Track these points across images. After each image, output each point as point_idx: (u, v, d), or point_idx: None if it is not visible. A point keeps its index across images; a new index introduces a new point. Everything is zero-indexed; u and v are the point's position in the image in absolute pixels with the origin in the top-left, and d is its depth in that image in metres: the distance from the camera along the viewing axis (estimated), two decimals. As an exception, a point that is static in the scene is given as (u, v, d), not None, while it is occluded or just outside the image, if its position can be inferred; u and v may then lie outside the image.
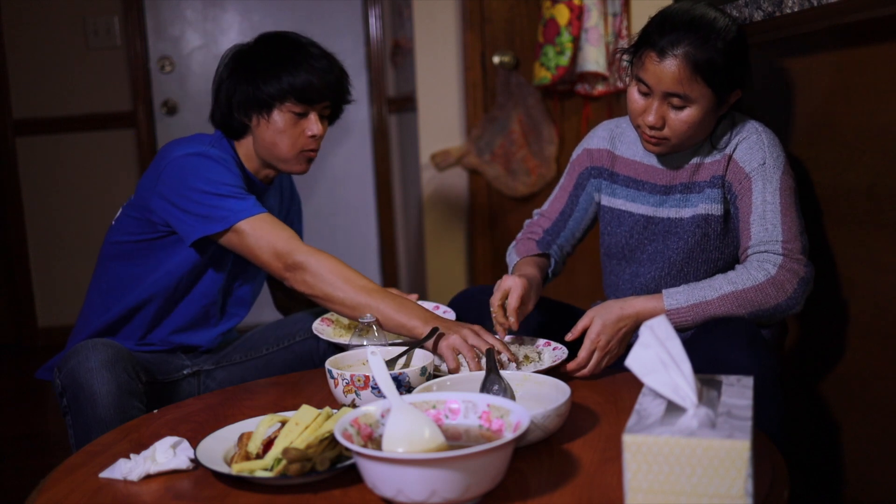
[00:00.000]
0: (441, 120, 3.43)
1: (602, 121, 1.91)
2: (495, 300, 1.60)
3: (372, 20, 4.16)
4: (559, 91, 3.30)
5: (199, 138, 1.84)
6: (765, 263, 1.54)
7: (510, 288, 1.59)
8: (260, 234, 1.69)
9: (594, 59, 3.13)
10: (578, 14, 3.09)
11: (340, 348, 1.71)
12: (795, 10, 1.58)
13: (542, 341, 1.65)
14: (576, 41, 3.12)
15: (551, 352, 1.61)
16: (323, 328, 1.79)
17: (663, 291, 1.57)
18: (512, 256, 1.86)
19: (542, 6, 3.19)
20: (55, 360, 1.77)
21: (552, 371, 1.52)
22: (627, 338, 1.58)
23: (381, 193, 4.30)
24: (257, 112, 1.79)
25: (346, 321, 1.83)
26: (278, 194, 2.01)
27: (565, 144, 3.33)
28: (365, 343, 1.58)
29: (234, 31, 4.14)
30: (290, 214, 2.08)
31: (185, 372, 1.88)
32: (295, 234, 1.72)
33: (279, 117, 1.78)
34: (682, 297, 1.55)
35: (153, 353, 1.85)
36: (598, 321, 1.55)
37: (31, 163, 4.07)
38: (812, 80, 1.76)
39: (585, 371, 1.54)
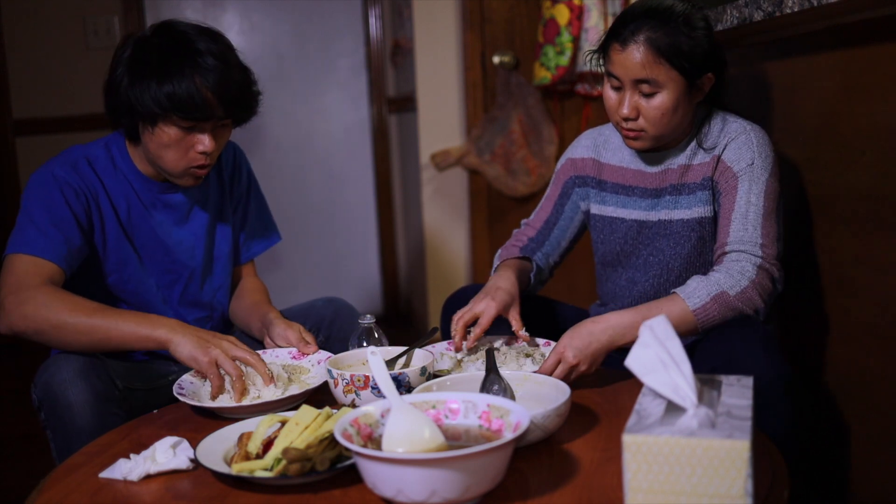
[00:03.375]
0: (441, 120, 3.43)
1: (602, 121, 1.91)
2: (461, 321, 1.59)
3: (372, 20, 4.16)
4: (559, 91, 3.30)
5: (87, 146, 1.73)
6: (744, 264, 1.52)
7: (482, 312, 1.58)
8: (3, 276, 1.59)
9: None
10: (578, 14, 3.09)
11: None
12: (795, 10, 1.58)
13: (541, 341, 1.65)
14: (576, 41, 3.12)
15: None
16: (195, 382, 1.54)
17: (680, 294, 1.51)
18: (496, 261, 1.86)
19: (542, 6, 3.19)
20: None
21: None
22: (599, 355, 1.48)
23: (381, 193, 4.30)
24: (141, 121, 1.64)
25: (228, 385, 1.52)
26: (214, 182, 1.85)
27: (565, 144, 3.33)
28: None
29: (233, 32, 4.13)
30: (235, 192, 1.90)
31: (170, 378, 1.75)
32: (25, 284, 1.55)
33: (164, 130, 1.61)
34: (702, 291, 1.50)
35: (136, 362, 1.77)
36: (566, 336, 1.49)
37: (31, 163, 4.06)
38: (812, 81, 1.76)
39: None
